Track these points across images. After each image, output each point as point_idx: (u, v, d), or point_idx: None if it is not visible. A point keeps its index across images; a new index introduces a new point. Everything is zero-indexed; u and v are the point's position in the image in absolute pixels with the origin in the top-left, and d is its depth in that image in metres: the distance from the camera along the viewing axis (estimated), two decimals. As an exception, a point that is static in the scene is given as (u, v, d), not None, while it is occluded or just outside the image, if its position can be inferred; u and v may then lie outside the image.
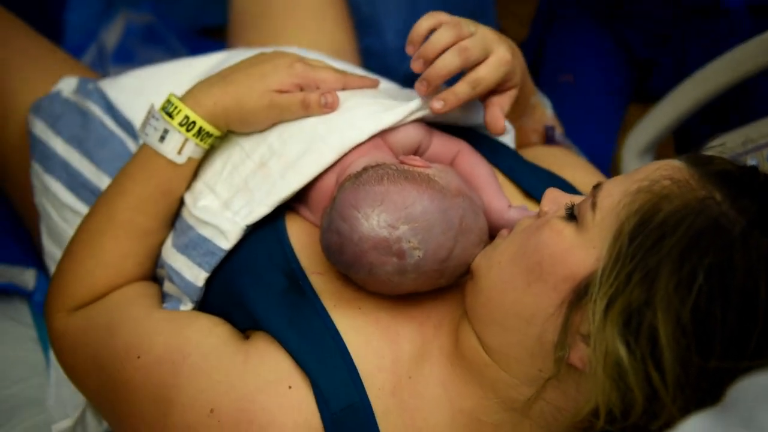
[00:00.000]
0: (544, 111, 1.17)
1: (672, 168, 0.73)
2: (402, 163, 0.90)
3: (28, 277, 1.27)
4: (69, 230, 1.12)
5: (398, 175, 0.85)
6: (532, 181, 1.00)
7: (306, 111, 0.96)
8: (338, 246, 0.83)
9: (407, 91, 1.05)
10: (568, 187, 1.00)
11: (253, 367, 0.82)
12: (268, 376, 0.81)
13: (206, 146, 0.96)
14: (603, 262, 0.71)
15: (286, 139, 0.95)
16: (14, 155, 1.23)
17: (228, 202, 0.94)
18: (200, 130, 0.94)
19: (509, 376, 0.79)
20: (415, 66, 0.91)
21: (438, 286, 0.86)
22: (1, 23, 1.29)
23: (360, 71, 1.19)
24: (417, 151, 0.97)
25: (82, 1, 1.81)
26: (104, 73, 1.59)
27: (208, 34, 2.02)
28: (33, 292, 1.26)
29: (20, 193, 1.25)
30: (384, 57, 1.65)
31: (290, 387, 0.80)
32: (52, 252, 1.18)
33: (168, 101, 0.94)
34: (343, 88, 1.01)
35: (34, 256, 1.30)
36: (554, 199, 0.81)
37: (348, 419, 0.79)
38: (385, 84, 1.13)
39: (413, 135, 0.96)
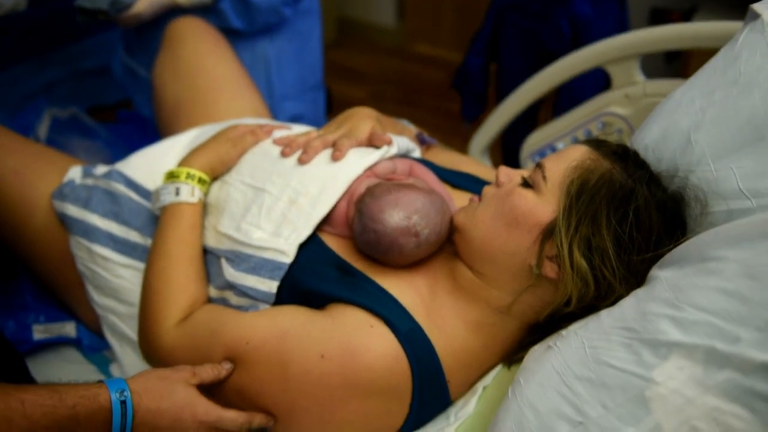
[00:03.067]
0: (410, 128, 1.57)
1: (588, 151, 1.10)
2: (392, 179, 1.29)
3: (69, 329, 1.55)
4: (124, 282, 1.41)
5: (397, 186, 1.20)
6: (454, 179, 1.42)
7: (254, 137, 1.41)
8: (375, 241, 1.16)
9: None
10: (474, 178, 1.44)
11: (341, 321, 1.09)
12: (354, 323, 1.09)
13: (206, 189, 1.36)
14: (560, 212, 1.05)
15: (306, 182, 1.29)
16: (44, 236, 1.49)
17: (276, 232, 1.24)
18: (200, 178, 1.35)
19: (497, 291, 1.12)
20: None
21: (434, 250, 1.20)
22: None
23: (276, 122, 1.61)
24: (393, 174, 1.35)
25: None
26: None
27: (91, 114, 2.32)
28: (79, 338, 1.55)
29: (53, 265, 1.50)
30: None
31: (372, 326, 1.08)
32: (105, 303, 1.44)
33: (170, 172, 1.36)
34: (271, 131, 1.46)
35: (68, 311, 1.58)
36: (507, 173, 1.15)
37: (413, 337, 1.09)
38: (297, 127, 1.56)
39: (388, 165, 1.35)
